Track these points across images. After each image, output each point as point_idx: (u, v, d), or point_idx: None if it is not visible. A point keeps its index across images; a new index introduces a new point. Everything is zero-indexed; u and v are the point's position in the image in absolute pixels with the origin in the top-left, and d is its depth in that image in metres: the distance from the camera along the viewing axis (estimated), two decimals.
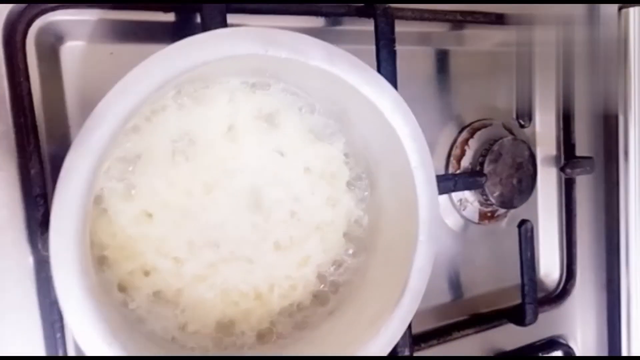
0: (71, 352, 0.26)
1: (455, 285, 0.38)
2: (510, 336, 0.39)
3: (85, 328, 0.20)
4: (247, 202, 0.26)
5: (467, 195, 0.38)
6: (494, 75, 0.39)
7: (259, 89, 0.27)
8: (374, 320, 0.25)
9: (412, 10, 0.33)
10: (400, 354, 0.31)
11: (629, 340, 0.43)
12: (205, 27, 0.26)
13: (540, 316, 0.38)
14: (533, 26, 0.39)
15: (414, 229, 0.26)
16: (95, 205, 0.23)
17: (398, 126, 0.26)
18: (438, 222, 0.26)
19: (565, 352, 0.41)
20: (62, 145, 0.25)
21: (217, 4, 0.26)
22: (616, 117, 0.42)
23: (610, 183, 0.43)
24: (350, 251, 0.29)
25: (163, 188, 0.24)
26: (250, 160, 0.26)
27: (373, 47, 0.31)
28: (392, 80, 0.30)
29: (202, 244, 0.25)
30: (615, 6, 0.41)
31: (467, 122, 0.38)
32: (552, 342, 0.41)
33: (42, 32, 0.25)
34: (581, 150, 0.41)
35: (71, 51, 0.26)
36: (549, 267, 0.42)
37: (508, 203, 0.38)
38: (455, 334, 0.36)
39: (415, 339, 0.34)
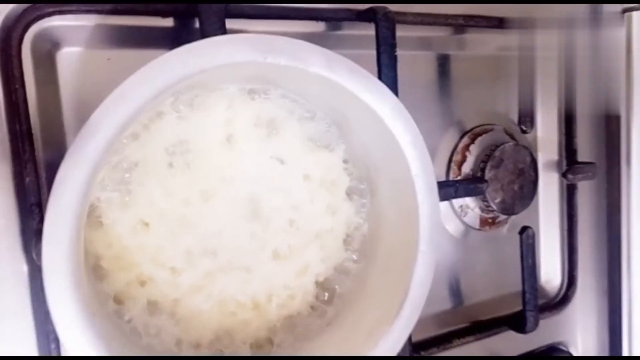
0: None
1: (456, 292, 0.38)
2: (510, 343, 0.39)
3: (77, 341, 0.19)
4: (245, 211, 0.26)
5: (468, 201, 0.37)
6: (496, 80, 0.39)
7: (257, 95, 0.26)
8: (373, 332, 0.25)
9: (414, 14, 0.33)
10: None
11: (630, 347, 0.42)
12: (203, 32, 0.26)
13: (541, 323, 0.38)
14: (535, 30, 0.38)
15: (415, 238, 0.25)
16: (91, 214, 0.23)
17: (398, 133, 0.25)
18: (439, 231, 0.26)
19: None
20: (58, 153, 0.25)
21: (216, 7, 0.26)
22: (618, 122, 0.42)
23: (612, 189, 0.43)
24: (350, 260, 0.28)
25: (160, 197, 0.24)
26: (249, 167, 0.26)
27: (374, 52, 0.30)
28: (393, 86, 0.30)
29: (199, 253, 0.25)
30: (618, 9, 0.41)
31: (468, 127, 0.38)
32: (553, 349, 0.41)
33: (38, 37, 0.25)
34: (583, 155, 0.41)
35: (68, 57, 0.26)
36: (550, 274, 0.42)
37: (509, 209, 0.37)
38: (456, 342, 0.36)
39: (415, 346, 0.33)
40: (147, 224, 0.24)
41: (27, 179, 0.24)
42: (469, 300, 0.38)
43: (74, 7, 0.25)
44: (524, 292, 0.36)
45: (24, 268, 0.25)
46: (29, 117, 0.24)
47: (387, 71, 0.30)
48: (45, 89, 0.25)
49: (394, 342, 0.24)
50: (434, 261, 0.26)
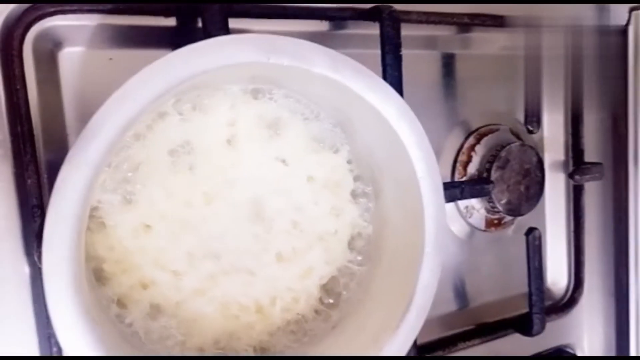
0: None
1: (461, 294, 0.37)
2: (516, 345, 0.38)
3: (77, 345, 0.19)
4: (248, 212, 0.26)
5: (474, 202, 0.37)
6: (501, 79, 0.38)
7: (260, 96, 0.26)
8: (378, 336, 0.24)
9: (418, 13, 0.32)
10: None
11: (637, 349, 0.42)
12: (206, 32, 0.25)
13: (548, 325, 0.37)
14: (541, 29, 0.38)
15: (420, 240, 0.25)
16: (92, 217, 0.23)
17: (404, 134, 0.25)
18: (445, 234, 0.26)
19: None
20: (59, 154, 0.25)
21: (219, 6, 0.25)
22: (626, 122, 0.42)
23: (619, 189, 0.43)
24: (354, 262, 0.28)
25: (162, 199, 0.24)
26: (252, 169, 0.26)
27: (378, 52, 0.30)
28: (398, 85, 0.30)
29: (202, 255, 0.25)
30: (625, 8, 0.41)
31: (474, 127, 0.37)
32: (559, 352, 0.41)
33: (39, 37, 0.25)
34: (590, 156, 0.41)
35: (69, 57, 0.25)
36: (557, 275, 0.42)
37: (515, 210, 0.37)
38: (461, 344, 0.36)
39: (420, 349, 0.33)
40: (149, 227, 0.24)
41: (29, 181, 0.24)
42: (474, 302, 0.38)
43: (75, 6, 0.25)
44: (530, 295, 0.36)
45: (26, 270, 0.25)
46: (31, 118, 0.24)
47: (392, 71, 0.30)
48: (47, 89, 0.25)
49: (399, 346, 0.24)
50: (439, 264, 0.25)
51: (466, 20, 0.35)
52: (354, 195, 0.28)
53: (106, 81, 0.26)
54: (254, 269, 0.26)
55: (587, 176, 0.40)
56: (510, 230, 0.39)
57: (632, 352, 0.42)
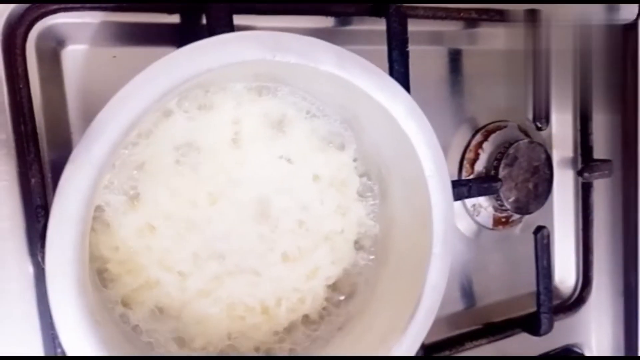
0: None
1: (468, 293, 0.37)
2: (523, 345, 0.38)
3: (80, 347, 0.19)
4: (253, 212, 0.25)
5: (481, 200, 0.37)
6: (509, 75, 0.38)
7: (265, 94, 0.26)
8: (386, 338, 0.24)
9: (425, 8, 0.32)
10: None
11: None
12: (211, 29, 0.25)
13: (555, 324, 0.37)
14: (549, 24, 0.37)
15: (428, 241, 0.25)
16: (96, 217, 0.23)
17: (412, 133, 0.24)
18: (453, 234, 0.25)
19: None
20: (63, 154, 0.25)
21: (223, 4, 0.25)
22: (635, 119, 0.41)
23: (628, 187, 0.42)
24: (361, 262, 0.28)
25: (166, 199, 0.24)
26: (257, 168, 0.25)
27: (384, 48, 0.29)
28: (405, 82, 0.29)
29: (207, 256, 0.24)
30: (635, 5, 0.40)
31: (481, 124, 0.37)
32: (567, 352, 0.40)
33: (42, 35, 0.25)
34: (599, 153, 0.40)
35: (73, 55, 0.25)
36: (565, 274, 0.41)
37: (524, 209, 0.36)
38: (468, 344, 0.35)
39: (427, 349, 0.33)
40: (153, 227, 0.24)
41: (32, 180, 0.23)
42: (481, 301, 0.37)
43: (78, 4, 0.25)
44: (538, 294, 0.36)
45: (30, 270, 0.25)
46: (34, 117, 0.24)
47: (399, 67, 0.29)
48: (50, 87, 0.25)
49: (407, 348, 0.24)
50: (448, 265, 0.25)
51: (474, 15, 0.34)
52: (361, 194, 0.28)
53: (110, 79, 0.25)
54: (259, 269, 0.26)
55: (596, 173, 0.39)
56: (518, 229, 0.39)
57: None
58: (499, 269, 0.38)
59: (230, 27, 0.25)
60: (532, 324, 0.36)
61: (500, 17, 0.35)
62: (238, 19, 0.26)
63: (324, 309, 0.27)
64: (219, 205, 0.25)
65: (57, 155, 0.25)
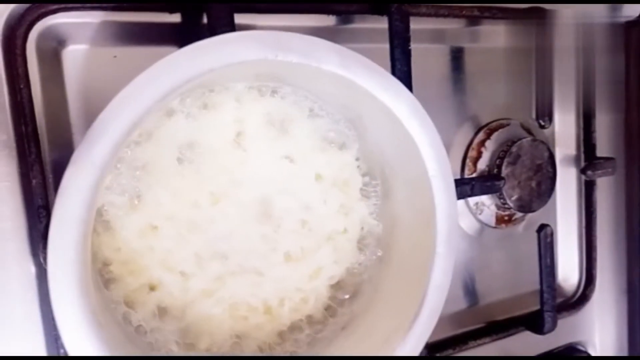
0: None
1: (471, 291, 0.37)
2: (527, 343, 0.38)
3: (82, 347, 0.19)
4: (255, 212, 0.25)
5: (484, 198, 0.36)
6: (512, 73, 0.38)
7: (267, 93, 0.25)
8: (389, 338, 0.24)
9: (427, 6, 0.32)
10: None
11: None
12: (212, 28, 0.25)
13: (559, 322, 0.37)
14: (552, 22, 0.37)
15: (432, 240, 0.25)
16: (98, 218, 0.22)
17: (415, 132, 0.24)
18: (457, 233, 0.25)
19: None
20: (64, 154, 0.25)
21: (225, 3, 0.25)
22: (638, 117, 0.41)
23: (631, 185, 0.42)
24: (364, 262, 0.28)
25: (168, 199, 0.24)
26: (259, 168, 0.25)
27: (386, 46, 0.29)
28: (407, 80, 0.29)
29: (209, 256, 0.24)
30: (637, 5, 0.40)
31: (484, 122, 0.37)
32: (571, 350, 0.40)
33: (43, 35, 0.24)
34: (602, 151, 0.40)
35: (73, 55, 0.25)
36: (568, 272, 0.41)
37: (526, 207, 0.36)
38: (471, 343, 0.35)
39: (430, 348, 0.33)
40: (155, 227, 0.23)
41: (34, 181, 0.23)
42: (484, 299, 0.37)
43: (78, 4, 0.24)
44: (541, 292, 0.36)
45: (32, 270, 0.24)
46: (35, 117, 0.24)
47: (401, 66, 0.29)
48: (51, 88, 0.25)
49: (411, 348, 0.23)
50: (451, 264, 0.25)
51: (476, 12, 0.34)
52: (364, 193, 0.28)
53: (111, 79, 0.25)
54: (262, 269, 0.25)
55: (599, 171, 0.39)
56: (520, 227, 0.39)
57: None
58: (502, 268, 0.38)
59: (232, 27, 0.25)
60: (535, 322, 0.36)
61: (503, 14, 0.35)
62: (239, 18, 0.26)
63: (327, 308, 0.27)
64: (221, 205, 0.24)
65: (59, 156, 0.25)
